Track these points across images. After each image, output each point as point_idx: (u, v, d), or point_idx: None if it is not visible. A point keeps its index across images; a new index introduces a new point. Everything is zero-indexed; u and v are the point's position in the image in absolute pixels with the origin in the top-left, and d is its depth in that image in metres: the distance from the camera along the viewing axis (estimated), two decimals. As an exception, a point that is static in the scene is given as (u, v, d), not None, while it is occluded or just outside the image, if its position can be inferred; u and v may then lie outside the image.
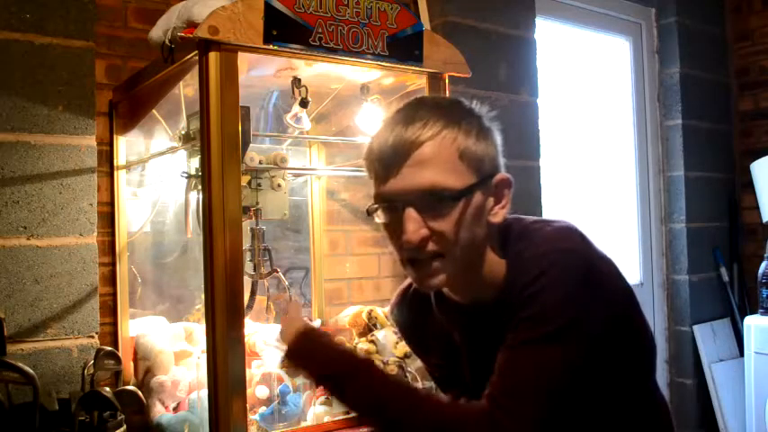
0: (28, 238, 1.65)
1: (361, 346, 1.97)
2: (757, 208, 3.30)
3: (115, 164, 1.89)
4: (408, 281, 1.21)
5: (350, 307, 2.16)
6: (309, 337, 1.14)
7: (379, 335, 1.97)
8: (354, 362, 1.09)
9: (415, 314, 1.24)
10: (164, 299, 2.01)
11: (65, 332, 1.68)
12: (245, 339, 1.50)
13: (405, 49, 1.58)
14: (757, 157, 3.28)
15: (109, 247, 1.87)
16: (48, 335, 1.65)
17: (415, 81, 1.77)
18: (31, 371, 1.40)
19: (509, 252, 1.06)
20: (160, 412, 1.71)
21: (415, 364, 1.85)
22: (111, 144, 1.89)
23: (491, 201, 1.04)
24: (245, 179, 1.75)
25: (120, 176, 1.89)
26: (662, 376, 3.22)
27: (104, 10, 1.88)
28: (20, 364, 1.41)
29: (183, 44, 1.46)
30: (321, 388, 1.20)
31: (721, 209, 3.40)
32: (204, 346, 1.42)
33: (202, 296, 1.41)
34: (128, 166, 1.92)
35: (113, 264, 1.88)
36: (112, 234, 1.88)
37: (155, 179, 1.99)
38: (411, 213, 0.99)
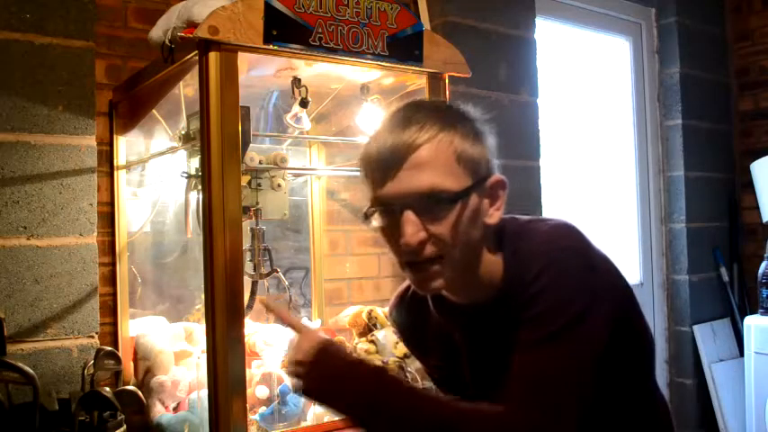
0: (28, 238, 1.65)
1: (361, 346, 1.97)
2: (757, 208, 3.29)
3: (115, 164, 1.89)
4: (407, 282, 1.21)
5: (350, 307, 2.16)
6: (330, 353, 1.03)
7: (379, 335, 1.97)
8: (388, 382, 1.00)
9: (413, 316, 1.24)
10: (164, 299, 2.01)
11: (65, 332, 1.68)
12: (245, 339, 1.50)
13: (405, 49, 1.58)
14: (757, 157, 3.28)
15: (109, 247, 1.87)
16: (48, 335, 1.65)
17: (415, 81, 1.77)
18: (31, 371, 1.40)
19: (505, 251, 1.06)
20: (160, 412, 1.71)
21: (415, 365, 1.84)
22: (111, 144, 1.89)
23: (486, 202, 1.04)
24: (245, 179, 1.75)
25: (120, 176, 1.89)
26: (662, 376, 3.22)
27: (104, 10, 1.88)
28: (20, 364, 1.41)
29: (182, 44, 1.46)
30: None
31: (721, 209, 3.40)
32: (204, 346, 1.42)
33: (202, 296, 1.41)
34: (128, 166, 1.92)
35: (113, 264, 1.88)
36: (112, 234, 1.88)
37: (155, 179, 1.99)
38: (409, 216, 0.98)
